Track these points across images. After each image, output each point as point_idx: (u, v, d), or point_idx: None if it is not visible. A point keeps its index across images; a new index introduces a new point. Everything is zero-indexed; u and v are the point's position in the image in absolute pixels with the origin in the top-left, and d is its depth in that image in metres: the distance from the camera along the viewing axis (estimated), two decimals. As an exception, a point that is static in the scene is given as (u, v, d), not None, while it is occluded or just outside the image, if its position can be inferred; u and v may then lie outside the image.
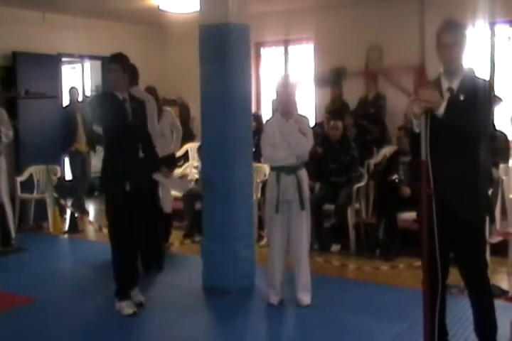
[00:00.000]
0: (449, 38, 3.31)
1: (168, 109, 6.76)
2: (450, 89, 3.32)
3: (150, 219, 5.52)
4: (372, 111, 8.13)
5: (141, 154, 4.62)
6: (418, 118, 3.24)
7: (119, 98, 4.64)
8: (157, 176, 4.86)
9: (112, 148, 4.67)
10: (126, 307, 4.63)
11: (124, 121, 4.60)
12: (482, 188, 3.47)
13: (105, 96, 4.78)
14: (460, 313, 4.19)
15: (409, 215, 6.08)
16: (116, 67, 4.65)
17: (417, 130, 3.31)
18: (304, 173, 4.79)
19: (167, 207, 6.51)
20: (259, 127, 7.76)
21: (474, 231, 3.42)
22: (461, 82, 3.33)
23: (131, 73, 5.72)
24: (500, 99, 6.74)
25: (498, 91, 6.91)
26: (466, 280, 3.49)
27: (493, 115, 5.37)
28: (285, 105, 4.75)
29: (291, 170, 4.70)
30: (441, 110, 3.17)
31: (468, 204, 3.34)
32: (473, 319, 3.52)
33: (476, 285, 3.47)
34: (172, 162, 6.68)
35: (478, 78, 3.40)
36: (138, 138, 4.66)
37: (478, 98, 3.25)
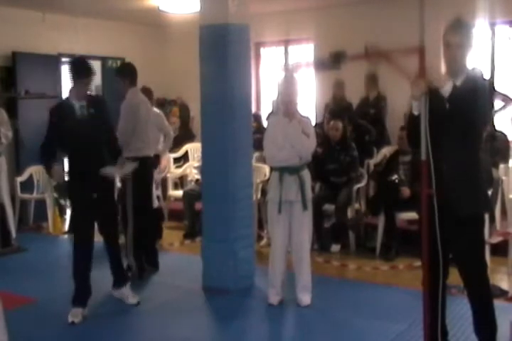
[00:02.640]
0: (453, 38, 3.29)
1: (158, 111, 6.66)
2: (454, 86, 3.29)
3: (141, 218, 5.55)
4: (372, 111, 8.13)
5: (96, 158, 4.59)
6: (418, 99, 3.25)
7: (75, 106, 4.56)
8: (108, 169, 4.63)
9: (70, 156, 4.68)
10: (70, 316, 4.52)
11: (74, 130, 4.53)
12: (481, 186, 3.47)
13: (63, 104, 4.69)
14: (460, 313, 4.20)
15: (409, 215, 6.08)
16: (89, 82, 4.57)
17: (415, 112, 3.31)
18: (306, 174, 4.78)
19: (154, 202, 6.45)
20: (259, 127, 7.77)
21: (473, 231, 3.42)
22: (464, 80, 3.32)
23: (131, 74, 5.72)
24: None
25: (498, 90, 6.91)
26: (464, 280, 3.49)
27: (493, 111, 5.37)
28: (288, 105, 4.75)
29: (294, 170, 4.70)
30: (447, 88, 3.17)
31: (467, 201, 3.34)
32: (472, 319, 3.52)
33: (475, 286, 3.47)
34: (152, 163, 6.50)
35: (484, 79, 3.40)
36: (92, 145, 4.59)
37: (480, 92, 3.25)
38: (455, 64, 3.33)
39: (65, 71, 4.76)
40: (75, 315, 4.53)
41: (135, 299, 4.90)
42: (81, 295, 4.62)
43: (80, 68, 4.55)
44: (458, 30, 3.32)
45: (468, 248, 3.41)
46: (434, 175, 3.24)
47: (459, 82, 3.32)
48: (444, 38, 3.33)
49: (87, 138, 4.53)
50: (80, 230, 4.69)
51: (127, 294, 4.90)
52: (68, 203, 4.81)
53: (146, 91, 6.20)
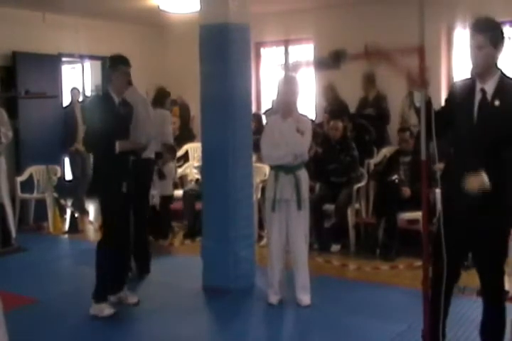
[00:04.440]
0: (472, 40, 3.19)
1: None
2: (482, 90, 3.22)
3: (139, 219, 5.55)
4: (372, 111, 8.11)
5: (132, 157, 4.70)
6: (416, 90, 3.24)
7: (115, 101, 4.66)
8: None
9: (109, 150, 4.60)
10: (107, 308, 4.59)
11: (121, 124, 4.67)
12: (510, 195, 3.36)
13: (104, 98, 4.78)
14: (460, 313, 4.18)
15: (409, 215, 6.08)
16: (128, 71, 4.71)
17: (417, 104, 3.28)
18: (303, 173, 4.78)
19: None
20: (259, 127, 7.76)
21: (499, 239, 3.32)
22: (497, 86, 3.20)
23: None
24: None
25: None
26: (484, 286, 3.41)
27: None
28: (286, 105, 4.75)
29: (290, 169, 4.70)
30: (476, 96, 3.14)
31: (497, 211, 3.23)
32: (481, 322, 3.44)
33: (494, 292, 3.38)
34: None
35: None
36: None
37: None
38: (477, 66, 3.22)
39: (107, 66, 4.87)
40: (109, 306, 4.59)
41: (134, 298, 4.89)
42: (106, 290, 4.66)
43: (120, 58, 4.71)
44: (476, 31, 3.20)
45: (491, 258, 3.33)
46: (459, 179, 3.13)
47: (489, 87, 3.20)
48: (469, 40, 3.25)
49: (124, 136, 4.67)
50: (114, 223, 4.64)
51: (125, 295, 4.88)
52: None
53: (163, 92, 6.20)
